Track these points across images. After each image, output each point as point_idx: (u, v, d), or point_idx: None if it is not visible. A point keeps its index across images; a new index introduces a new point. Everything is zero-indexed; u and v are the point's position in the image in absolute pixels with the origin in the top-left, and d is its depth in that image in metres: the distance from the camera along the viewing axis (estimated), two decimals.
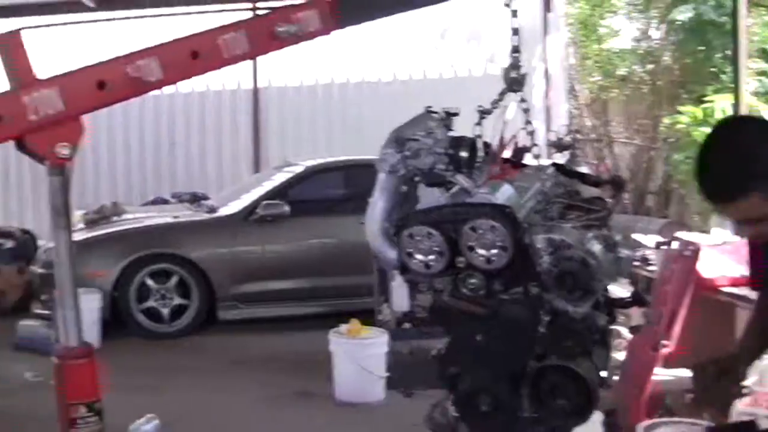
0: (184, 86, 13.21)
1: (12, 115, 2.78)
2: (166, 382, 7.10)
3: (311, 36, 3.38)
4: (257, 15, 3.34)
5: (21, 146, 2.88)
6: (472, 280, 2.56)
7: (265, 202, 8.94)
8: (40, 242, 10.53)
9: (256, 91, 12.96)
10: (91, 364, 2.90)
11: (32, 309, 9.04)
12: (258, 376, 7.27)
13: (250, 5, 11.57)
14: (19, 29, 2.91)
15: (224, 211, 9.24)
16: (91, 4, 11.67)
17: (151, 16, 3.19)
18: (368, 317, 7.02)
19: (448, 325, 2.66)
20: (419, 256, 2.56)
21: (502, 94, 3.07)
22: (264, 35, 3.26)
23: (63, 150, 2.82)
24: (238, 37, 3.21)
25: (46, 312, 8.57)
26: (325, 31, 3.40)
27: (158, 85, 3.09)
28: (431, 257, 2.55)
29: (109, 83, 2.97)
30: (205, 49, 3.16)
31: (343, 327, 6.57)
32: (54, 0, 11.80)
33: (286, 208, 8.87)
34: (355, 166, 9.23)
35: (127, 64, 3.00)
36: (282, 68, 12.70)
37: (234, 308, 8.78)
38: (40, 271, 9.06)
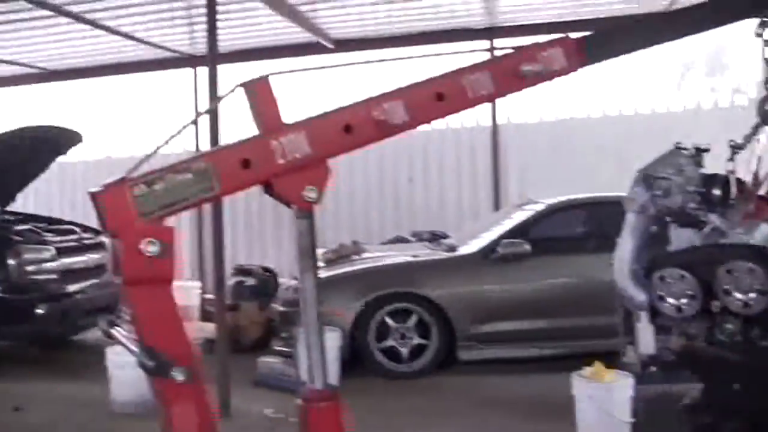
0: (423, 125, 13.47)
1: (260, 160, 2.90)
2: (403, 423, 7.21)
3: (556, 75, 3.38)
4: (502, 55, 3.34)
5: (268, 190, 3.01)
6: (728, 326, 2.48)
7: (505, 240, 8.94)
8: (281, 280, 10.95)
9: (495, 129, 13.01)
10: (335, 407, 2.98)
11: (272, 346, 9.41)
12: (497, 419, 7.24)
13: (487, 45, 11.73)
14: (267, 75, 3.06)
15: (464, 250, 9.31)
16: (330, 45, 12.09)
17: (390, 59, 3.26)
18: (610, 359, 6.87)
19: (701, 372, 2.58)
20: (671, 300, 2.50)
21: (756, 127, 2.96)
22: (509, 75, 3.28)
23: (310, 193, 2.93)
24: (482, 78, 3.23)
25: (286, 349, 8.91)
26: (570, 69, 3.39)
27: (403, 128, 3.16)
28: (684, 301, 2.49)
29: (356, 127, 3.06)
30: (450, 91, 3.21)
31: (587, 370, 6.45)
32: (292, 43, 12.32)
33: (527, 247, 8.85)
34: (598, 204, 9.12)
35: (373, 107, 3.08)
36: (521, 105, 12.75)
37: (474, 348, 8.79)
38: (281, 308, 9.43)
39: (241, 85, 3.03)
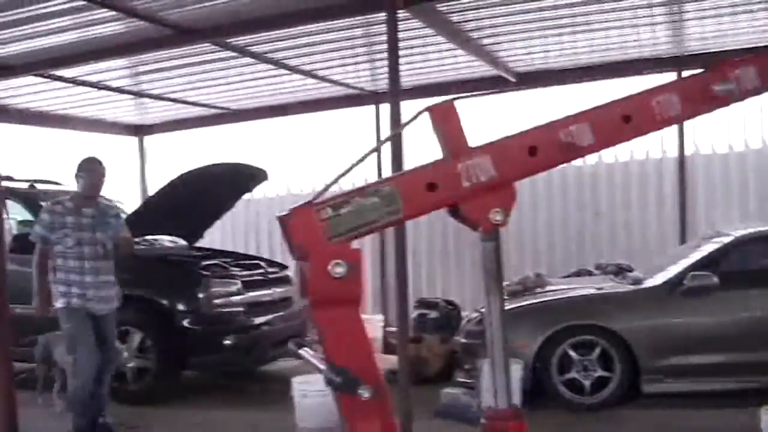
0: (608, 156, 13.35)
1: (446, 183, 2.94)
2: None
3: (748, 95, 3.27)
4: (691, 75, 3.24)
5: (454, 213, 3.04)
6: None
7: (692, 273, 8.72)
8: (464, 313, 11.00)
9: (682, 159, 12.68)
10: (520, 427, 2.97)
11: (455, 377, 9.43)
12: None
13: (675, 76, 11.48)
14: (453, 98, 3.09)
15: (649, 283, 9.12)
16: (512, 79, 12.08)
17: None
18: None
19: None
20: None
21: None
22: (698, 96, 3.20)
23: (496, 216, 2.94)
24: (671, 99, 3.16)
25: (469, 381, 8.93)
26: (764, 89, 3.28)
27: (588, 150, 3.13)
28: None
29: (541, 149, 3.05)
30: (637, 113, 3.15)
31: None
32: (474, 77, 12.39)
33: (715, 280, 8.60)
34: None
35: (559, 129, 3.07)
36: (709, 134, 12.44)
37: (658, 381, 8.58)
38: (463, 340, 9.44)
39: (427, 109, 3.07)
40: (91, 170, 7.75)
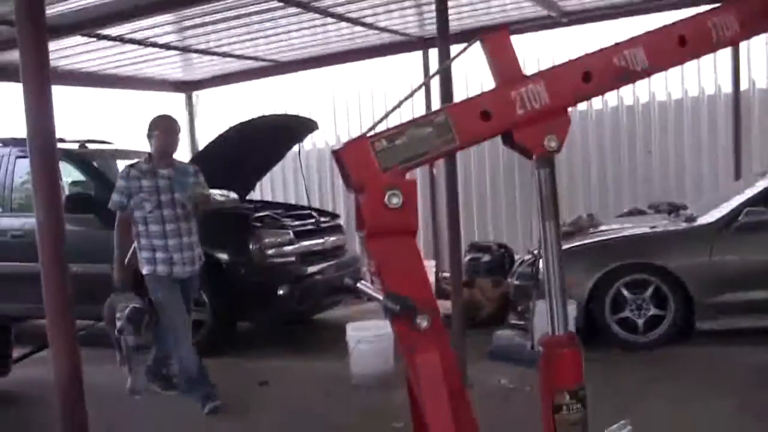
0: (660, 93, 13.20)
1: (500, 111, 2.92)
2: (638, 392, 7.10)
3: None
4: None
5: (507, 141, 3.02)
6: None
7: (747, 209, 8.63)
8: (516, 256, 10.99)
9: (737, 95, 12.49)
10: (576, 353, 2.97)
11: (508, 320, 9.45)
12: (734, 389, 7.02)
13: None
14: (506, 26, 3.07)
15: (703, 220, 9.04)
16: (562, 19, 11.93)
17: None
18: None
19: None
20: None
21: None
22: (757, 13, 3.12)
23: (550, 143, 2.93)
24: (727, 20, 3.09)
25: (521, 323, 8.97)
26: None
27: (643, 75, 3.08)
28: None
29: (595, 75, 3.01)
30: (693, 35, 3.08)
31: None
32: (522, 18, 12.24)
33: None
34: None
35: (613, 54, 3.03)
36: (764, 69, 12.26)
37: (712, 319, 8.54)
38: (516, 283, 9.44)
39: (480, 37, 3.05)
40: (165, 128, 7.53)
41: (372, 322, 8.89)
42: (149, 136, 7.51)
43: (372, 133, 2.91)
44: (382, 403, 7.43)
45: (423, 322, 2.73)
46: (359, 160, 2.84)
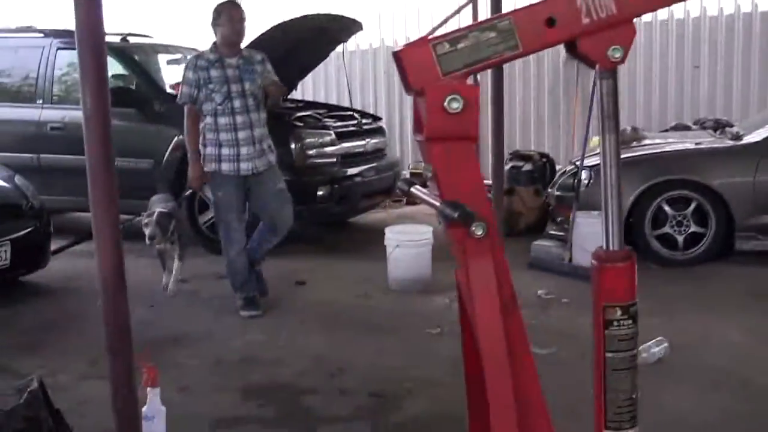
0: (712, 8, 12.94)
1: (565, 18, 2.85)
2: (675, 308, 7.11)
3: None
4: None
5: (571, 49, 2.96)
6: None
7: None
8: (557, 166, 10.92)
9: None
10: (629, 268, 2.94)
11: (547, 230, 9.44)
12: None
13: None
14: None
15: (749, 139, 8.92)
16: None
17: None
18: None
19: None
20: None
21: None
22: None
23: (615, 53, 2.85)
24: None
25: (560, 233, 8.98)
26: None
27: None
28: None
29: None
30: None
31: None
32: None
33: None
34: None
35: None
36: None
37: (753, 239, 8.50)
38: (557, 193, 9.40)
39: None
40: (231, 15, 7.20)
41: (410, 226, 8.93)
42: (214, 25, 7.24)
43: (433, 35, 2.85)
44: (418, 308, 7.49)
45: (479, 230, 2.70)
46: (420, 62, 2.78)
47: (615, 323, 2.86)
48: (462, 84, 2.77)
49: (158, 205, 7.99)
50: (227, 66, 7.19)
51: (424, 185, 3.05)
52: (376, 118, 11.49)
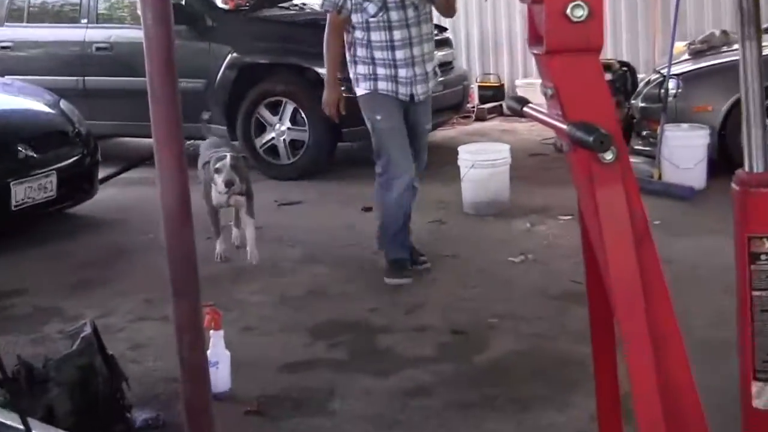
0: None
1: None
2: None
3: None
4: None
5: None
6: None
7: None
8: (640, 76, 10.58)
9: None
10: None
11: (632, 145, 9.15)
12: None
13: None
14: None
15: None
16: None
17: None
18: None
19: None
20: None
21: None
22: None
23: None
24: None
25: (647, 149, 8.70)
26: None
27: None
28: None
29: None
30: None
31: None
32: None
33: None
34: None
35: None
36: None
37: None
38: (642, 105, 9.10)
39: None
40: None
41: (485, 144, 8.70)
42: None
43: None
44: (497, 234, 7.30)
45: (609, 154, 2.46)
46: None
47: (764, 256, 2.63)
48: None
49: (221, 150, 7.18)
50: None
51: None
52: (442, 29, 11.14)
